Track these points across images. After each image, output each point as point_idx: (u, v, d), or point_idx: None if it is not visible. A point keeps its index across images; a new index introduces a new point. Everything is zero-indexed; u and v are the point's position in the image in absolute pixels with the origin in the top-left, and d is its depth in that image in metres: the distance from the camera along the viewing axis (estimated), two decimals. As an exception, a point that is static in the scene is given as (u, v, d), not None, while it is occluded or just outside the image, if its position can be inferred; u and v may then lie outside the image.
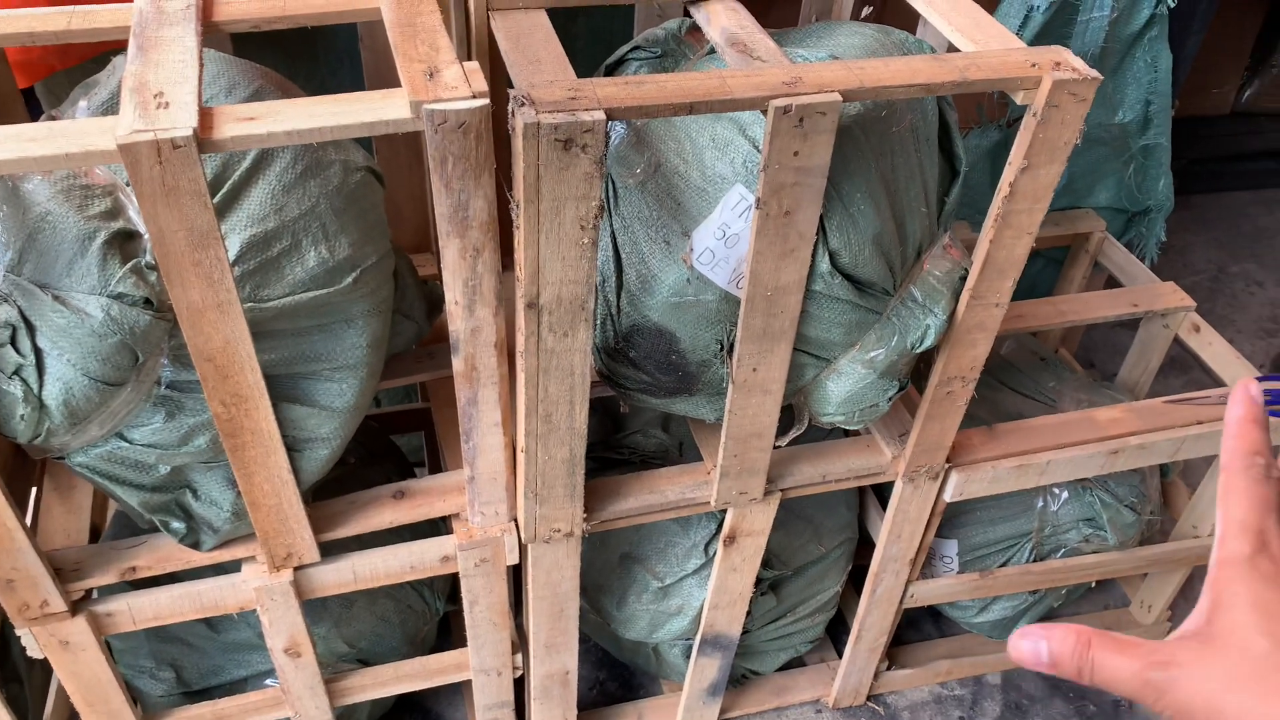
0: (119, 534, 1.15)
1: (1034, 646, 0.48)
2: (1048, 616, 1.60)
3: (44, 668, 1.33)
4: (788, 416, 1.11)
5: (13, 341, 0.83)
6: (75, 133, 0.74)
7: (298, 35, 1.33)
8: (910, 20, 1.09)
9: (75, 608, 1.01)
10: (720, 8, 0.99)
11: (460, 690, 1.52)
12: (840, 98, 0.82)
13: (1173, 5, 1.43)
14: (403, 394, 1.70)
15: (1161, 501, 1.53)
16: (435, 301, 1.21)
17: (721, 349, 0.99)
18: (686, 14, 1.07)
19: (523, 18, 0.95)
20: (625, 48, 1.04)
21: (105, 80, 0.96)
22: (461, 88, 0.79)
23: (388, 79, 1.20)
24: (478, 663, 1.24)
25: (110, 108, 0.91)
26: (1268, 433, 0.50)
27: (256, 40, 1.29)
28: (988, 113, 1.57)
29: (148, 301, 0.84)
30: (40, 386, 0.84)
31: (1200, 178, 2.72)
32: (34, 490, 1.11)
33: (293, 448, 0.97)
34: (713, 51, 1.02)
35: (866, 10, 1.21)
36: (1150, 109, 1.54)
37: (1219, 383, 1.44)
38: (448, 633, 1.53)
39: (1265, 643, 0.44)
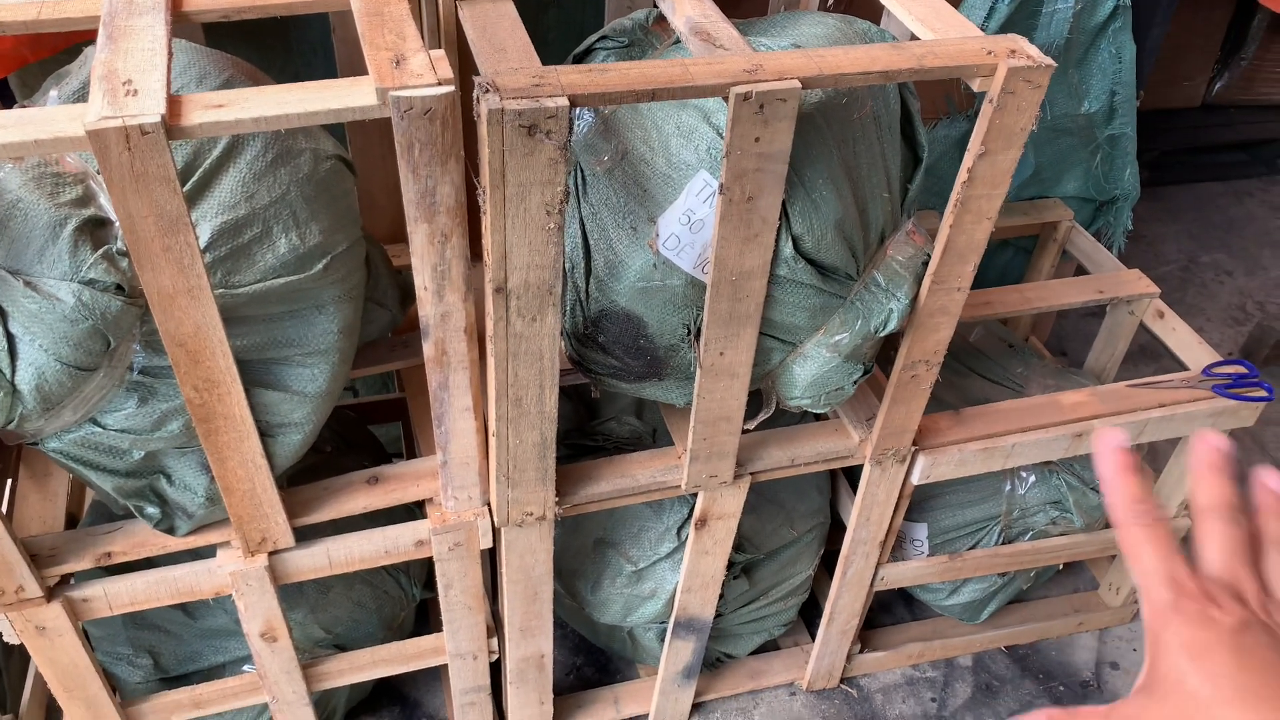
0: (96, 522, 1.16)
1: None
2: (1017, 599, 1.62)
3: (21, 655, 1.34)
4: (756, 401, 1.13)
5: (-15, 327, 0.84)
6: (44, 120, 0.75)
7: (271, 27, 1.34)
8: (876, 13, 1.11)
9: (51, 593, 1.02)
10: (685, -2, 1.00)
11: (438, 677, 1.54)
12: (800, 85, 0.83)
13: (1136, -3, 1.46)
14: (379, 385, 1.72)
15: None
16: (408, 290, 1.22)
17: (689, 333, 1.01)
18: (654, 4, 1.08)
19: (490, 7, 0.96)
20: (593, 37, 1.06)
21: (76, 70, 0.97)
22: (427, 75, 0.81)
23: (360, 70, 1.20)
24: (454, 647, 1.26)
25: (81, 97, 0.92)
26: (1141, 475, 0.51)
27: (229, 32, 1.30)
28: (957, 104, 1.59)
29: (119, 287, 0.85)
30: (13, 372, 0.85)
31: (1171, 169, 2.76)
32: (9, 480, 1.12)
33: (266, 433, 0.98)
34: (679, 41, 1.04)
35: (831, 1, 1.23)
36: (1115, 99, 1.56)
37: (1184, 367, 1.47)
38: (425, 619, 1.55)
39: (1196, 680, 0.45)
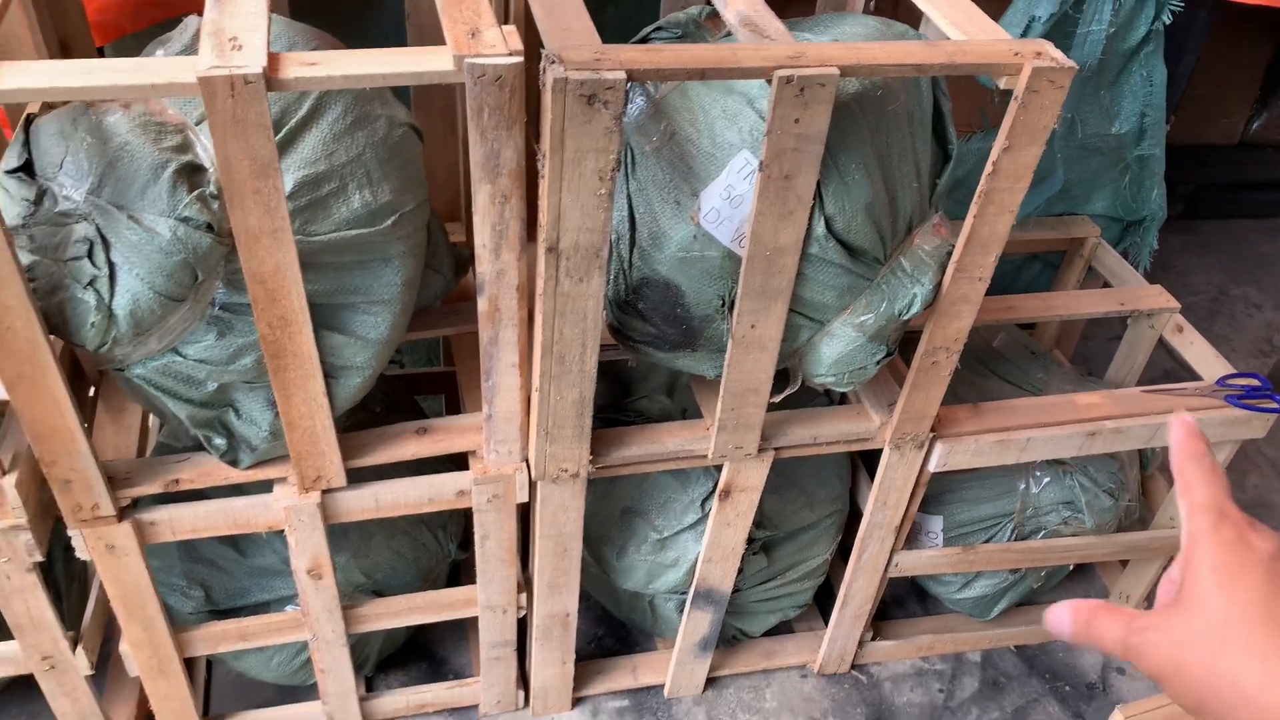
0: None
1: (1060, 614, 0.55)
2: (1027, 599, 1.67)
3: (80, 586, 1.43)
4: (782, 380, 1.20)
5: (89, 255, 0.93)
6: (160, 68, 0.84)
7: (348, 12, 1.44)
8: (916, 20, 1.19)
9: (122, 514, 1.11)
10: (737, -6, 1.08)
11: (464, 636, 1.61)
12: (838, 71, 0.91)
13: (1169, 22, 1.52)
14: (424, 359, 1.80)
15: (1140, 493, 1.60)
16: (462, 261, 1.31)
17: (723, 305, 1.08)
18: (708, 1, 1.17)
19: (557, -7, 1.05)
20: (648, 29, 1.14)
21: (178, 35, 1.06)
22: (500, 46, 0.89)
23: (430, 54, 1.31)
24: (485, 599, 1.33)
25: (184, 56, 1.01)
26: (1208, 443, 0.55)
27: (311, 14, 1.40)
28: (990, 118, 1.66)
29: (209, 226, 0.94)
30: (111, 297, 0.94)
31: (1206, 204, 2.79)
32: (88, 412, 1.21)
33: (329, 374, 1.06)
34: (728, 36, 1.12)
35: (871, 3, 1.30)
36: (1146, 121, 1.62)
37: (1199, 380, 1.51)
38: (454, 582, 1.62)
39: (1221, 601, 0.47)
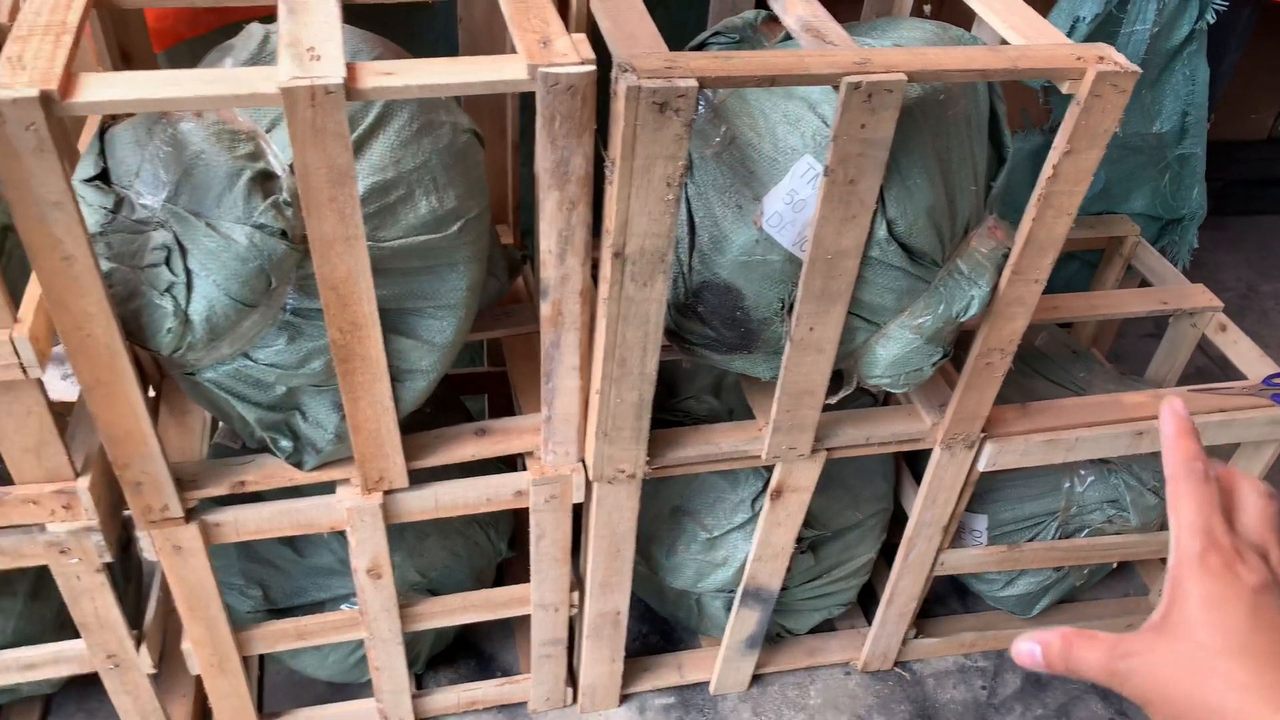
0: (217, 458, 1.27)
1: (1030, 648, 0.55)
2: (1069, 596, 1.68)
3: (136, 586, 1.45)
4: (836, 381, 1.21)
5: (167, 262, 0.95)
6: (241, 78, 0.86)
7: (396, 16, 1.45)
8: (964, 20, 1.19)
9: (189, 515, 1.13)
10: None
11: (510, 633, 1.62)
12: (905, 77, 0.92)
13: (1212, 22, 1.52)
14: (467, 360, 1.82)
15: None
16: (514, 264, 1.33)
17: (783, 307, 1.09)
18: (761, 7, 1.18)
19: (620, 0, 1.06)
20: (706, 33, 1.15)
21: (242, 43, 1.07)
22: (571, 55, 0.90)
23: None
24: (538, 598, 1.35)
25: (253, 65, 1.03)
26: (1199, 441, 0.55)
27: (361, 18, 1.41)
28: (1033, 118, 1.66)
29: (283, 233, 0.96)
30: (188, 303, 0.95)
31: (1234, 200, 2.79)
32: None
33: (395, 377, 1.08)
34: (784, 40, 1.13)
35: (926, 8, 1.31)
36: (1187, 120, 1.63)
37: (1244, 379, 1.52)
38: (503, 583, 1.63)
39: (1205, 632, 0.48)
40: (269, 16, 1.12)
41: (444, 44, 1.46)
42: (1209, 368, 2.27)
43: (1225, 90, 2.60)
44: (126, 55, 1.22)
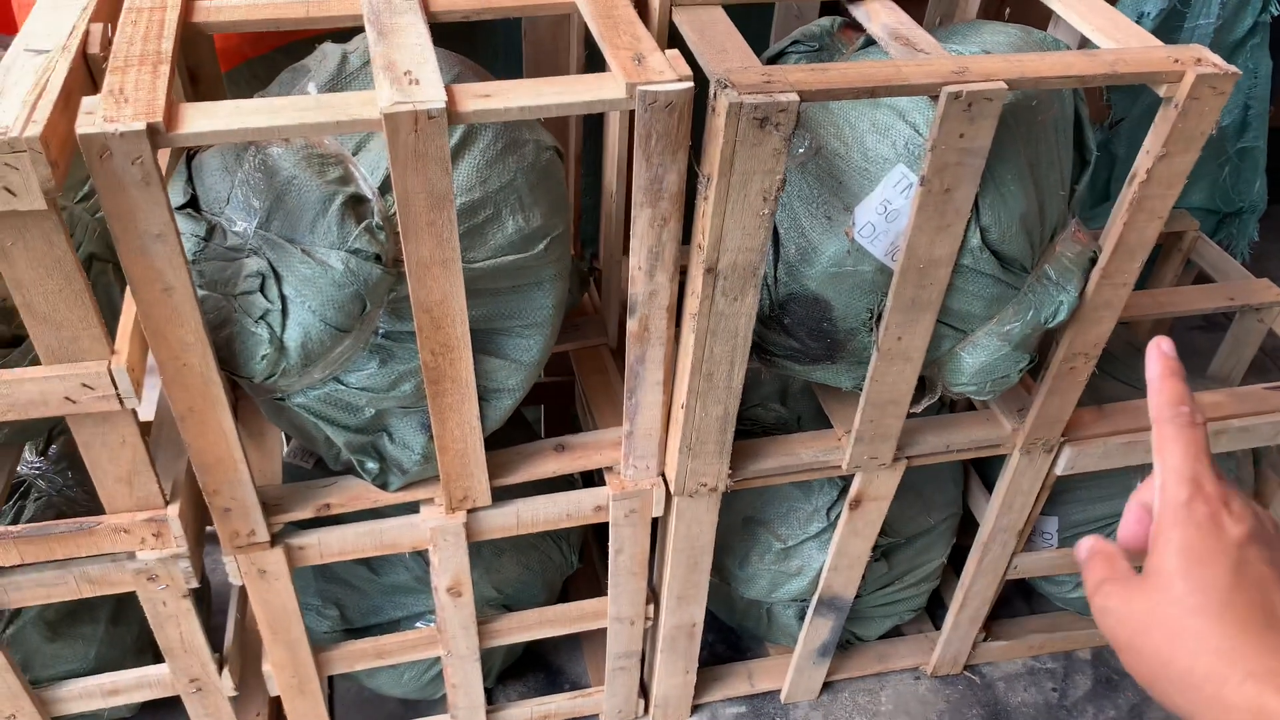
0: (290, 480, 1.26)
1: (1083, 543, 0.55)
2: (1138, 596, 1.66)
3: (206, 609, 1.45)
4: (919, 388, 1.20)
5: (261, 289, 0.94)
6: (341, 104, 0.85)
7: (458, 30, 1.44)
8: (1032, 18, 1.18)
9: (275, 539, 1.12)
10: (879, 6, 1.08)
11: (578, 646, 1.62)
12: (1006, 86, 0.91)
13: (1275, 14, 1.51)
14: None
15: (1254, 489, 1.59)
16: (584, 277, 1.32)
17: (871, 317, 1.08)
18: (834, 13, 1.16)
19: (703, 12, 1.05)
20: (784, 41, 1.14)
21: (318, 65, 1.06)
22: (667, 72, 0.89)
23: (545, 71, 1.31)
24: (615, 611, 1.34)
25: (333, 88, 1.02)
26: (1186, 383, 0.53)
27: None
28: (1091, 115, 1.64)
29: (378, 257, 0.95)
30: (283, 330, 0.95)
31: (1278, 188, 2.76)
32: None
33: (482, 397, 1.07)
34: (865, 46, 1.12)
35: (1006, 11, 1.30)
36: (1249, 113, 1.61)
37: (1313, 374, 1.50)
38: (567, 595, 1.63)
39: (1184, 586, 0.46)
40: (334, 35, 1.11)
41: (503, 58, 1.45)
42: (1260, 360, 2.25)
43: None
44: (195, 77, 1.21)
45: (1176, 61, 0.96)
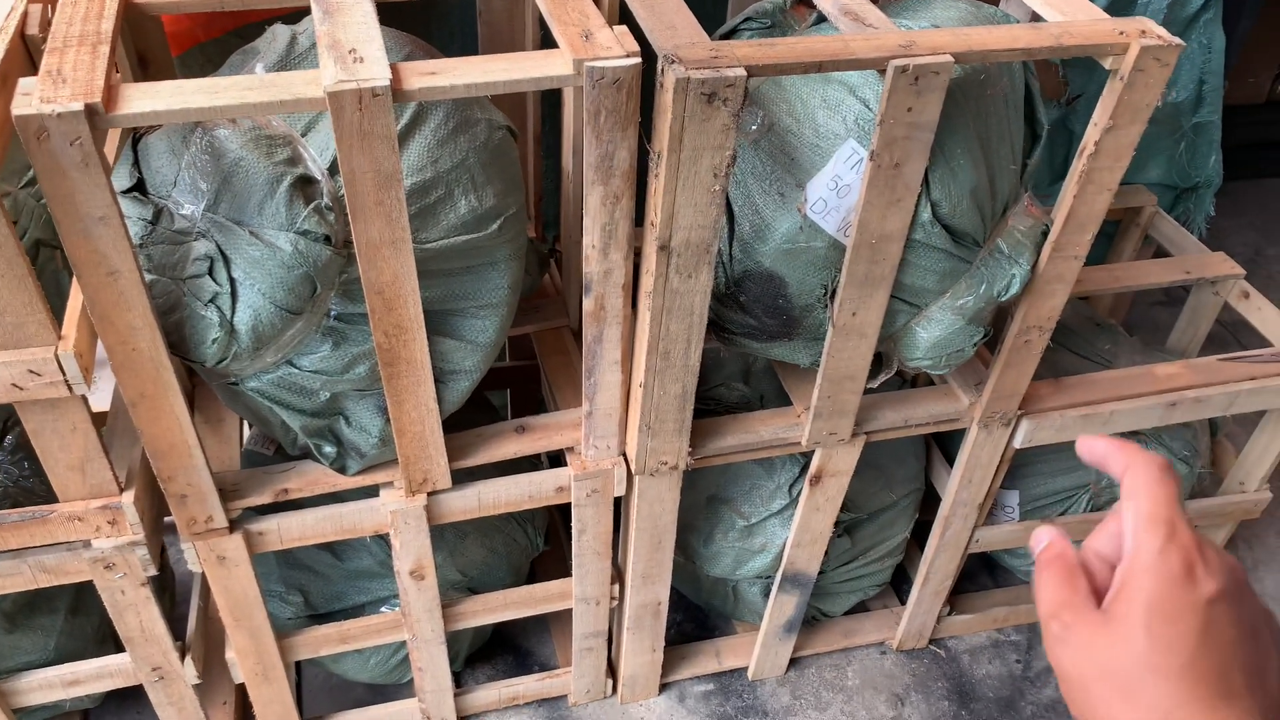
0: (249, 467, 1.25)
1: (1041, 536, 0.53)
2: (1100, 568, 1.68)
3: (170, 597, 1.44)
4: (876, 364, 1.20)
5: (210, 272, 0.93)
6: (284, 83, 0.84)
7: (412, 11, 1.43)
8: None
9: (233, 525, 1.12)
10: (829, -18, 1.08)
11: (546, 629, 1.62)
12: (952, 59, 0.91)
13: (1227, -12, 1.52)
14: (488, 354, 1.80)
15: (1210, 458, 1.61)
16: (543, 258, 1.31)
17: (825, 293, 1.09)
18: (789, -11, 1.16)
19: (653, -11, 1.04)
20: (737, 19, 1.14)
21: (268, 46, 1.06)
22: (615, 48, 0.89)
23: (501, 51, 1.30)
24: (580, 591, 1.34)
25: (283, 68, 1.01)
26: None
27: (380, 16, 1.39)
28: (1048, 91, 1.65)
29: (327, 239, 0.94)
30: (233, 313, 0.94)
31: (1237, 164, 2.78)
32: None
33: (439, 379, 1.07)
34: (817, 23, 1.12)
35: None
36: (1204, 88, 1.62)
37: (1265, 345, 1.52)
38: (535, 576, 1.63)
39: (1146, 643, 0.44)
40: (286, 17, 1.10)
41: (460, 38, 1.44)
42: (1220, 334, 2.28)
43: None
44: (144, 61, 1.20)
45: (1121, 33, 0.97)
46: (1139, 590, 0.46)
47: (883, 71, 0.91)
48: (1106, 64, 0.98)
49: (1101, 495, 1.52)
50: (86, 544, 1.08)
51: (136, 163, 0.97)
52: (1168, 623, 0.44)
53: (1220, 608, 0.45)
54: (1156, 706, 0.44)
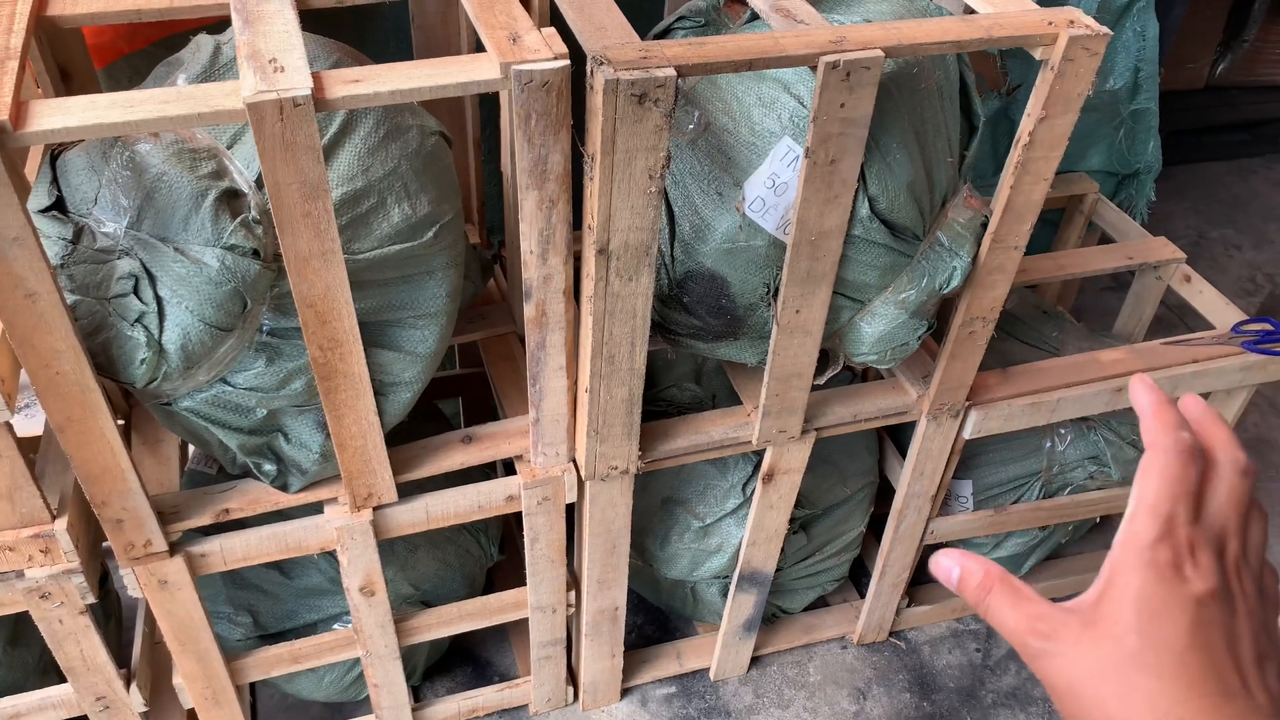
0: (191, 487, 1.23)
1: (947, 569, 0.50)
2: (1055, 553, 1.70)
3: (117, 623, 1.40)
4: (822, 361, 1.20)
5: (135, 291, 0.91)
6: (202, 95, 0.82)
7: (346, 17, 1.41)
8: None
9: (173, 548, 1.09)
10: (760, -21, 1.07)
11: (506, 638, 1.60)
12: (883, 54, 0.91)
13: (1159, -23, 1.54)
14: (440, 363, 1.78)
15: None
16: (486, 265, 1.30)
17: (768, 292, 1.08)
18: (723, -13, 1.16)
19: (583, -10, 1.03)
20: (671, 18, 1.13)
21: (192, 56, 1.03)
22: (543, 50, 0.88)
23: (437, 56, 1.28)
24: (535, 600, 1.33)
25: (207, 79, 0.99)
26: (1178, 412, 0.49)
27: (308, 21, 1.37)
28: (989, 82, 1.66)
29: (256, 253, 0.92)
30: (161, 332, 0.92)
31: (1178, 149, 2.84)
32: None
33: (379, 391, 1.05)
34: (750, 21, 1.11)
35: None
36: (1139, 75, 1.64)
37: (1210, 328, 1.54)
38: (492, 586, 1.61)
39: (1136, 642, 0.43)
40: (212, 26, 1.08)
41: (395, 44, 1.42)
42: (1168, 317, 2.31)
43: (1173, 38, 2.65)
44: (66, 74, 1.17)
45: (1050, 24, 0.97)
46: (1126, 586, 0.44)
47: (814, 68, 0.91)
48: (1037, 54, 0.99)
49: (1053, 482, 1.53)
50: (20, 574, 1.04)
51: (55, 180, 0.94)
52: (1157, 620, 0.43)
53: (1209, 608, 0.43)
54: (1155, 707, 0.42)
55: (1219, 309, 1.54)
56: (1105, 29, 0.96)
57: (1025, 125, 1.03)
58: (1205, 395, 1.52)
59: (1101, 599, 0.45)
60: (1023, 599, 0.47)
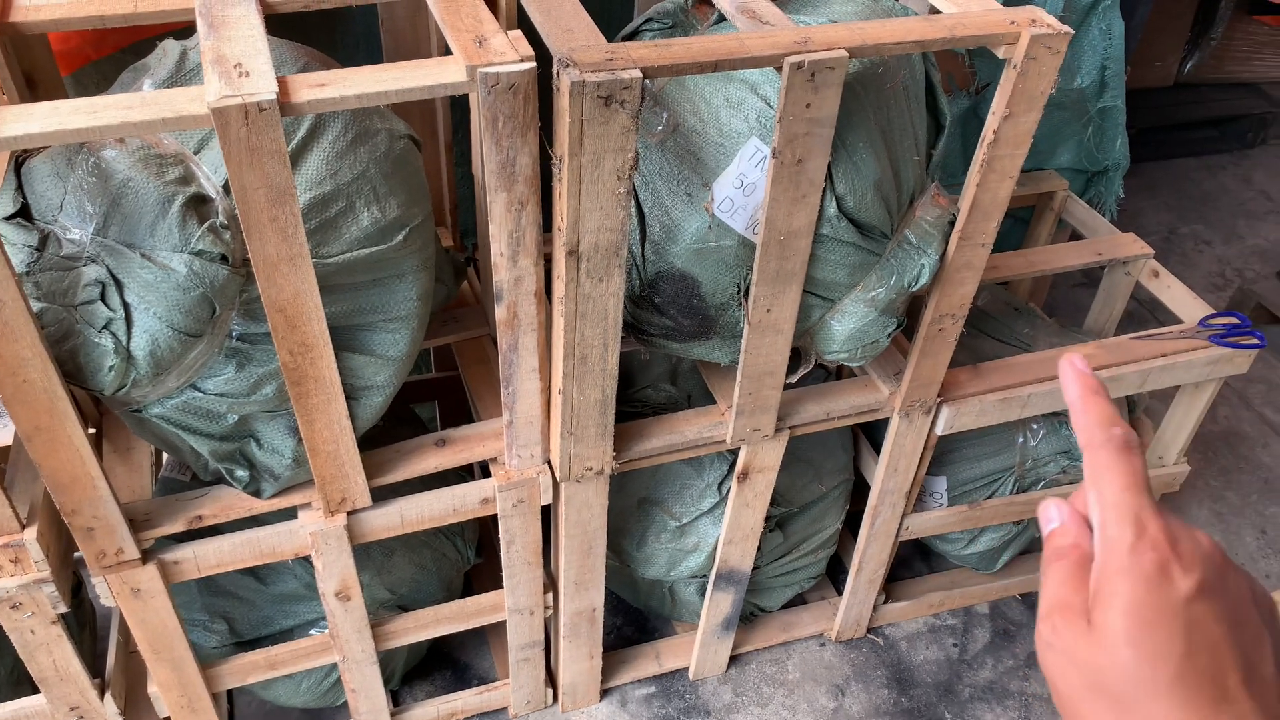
0: (164, 494, 1.22)
1: (1049, 515, 0.48)
2: (1030, 548, 1.72)
3: (91, 632, 1.39)
4: (794, 359, 1.21)
5: (102, 298, 0.90)
6: (168, 100, 0.82)
7: (316, 21, 1.41)
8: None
9: (146, 556, 1.09)
10: (727, -20, 1.08)
11: (485, 641, 1.60)
12: (847, 54, 0.92)
13: (1124, -24, 1.56)
14: (415, 367, 1.78)
15: (1129, 435, 1.65)
16: (459, 268, 1.30)
17: (739, 291, 1.09)
18: (691, -11, 1.16)
19: (550, -7, 1.03)
20: (639, 20, 1.14)
21: (158, 62, 1.03)
22: (509, 53, 0.88)
23: (406, 58, 1.28)
24: (513, 603, 1.33)
25: (173, 84, 0.98)
26: (1110, 401, 0.48)
27: (278, 27, 1.36)
28: (958, 81, 1.68)
29: (224, 258, 0.92)
30: (129, 339, 0.91)
31: (1147, 146, 2.87)
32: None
33: (350, 395, 1.05)
34: (718, 22, 1.12)
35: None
36: (1106, 74, 1.66)
37: (1179, 322, 1.56)
38: (469, 589, 1.61)
39: (1131, 655, 0.42)
40: (179, 32, 1.07)
41: (364, 48, 1.42)
42: (1138, 311, 2.34)
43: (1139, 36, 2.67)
44: (32, 81, 1.16)
45: (1012, 23, 0.98)
46: (1115, 594, 0.43)
47: (779, 69, 0.92)
48: (1000, 53, 1.00)
49: (1026, 477, 1.55)
50: (-10, 584, 1.04)
51: (20, 187, 0.93)
52: (1150, 630, 0.42)
53: (1202, 605, 0.42)
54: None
55: (1187, 303, 1.55)
56: (1067, 28, 0.98)
57: (990, 124, 1.04)
58: (1174, 389, 1.54)
59: (1094, 608, 0.44)
60: (1070, 582, 0.45)
